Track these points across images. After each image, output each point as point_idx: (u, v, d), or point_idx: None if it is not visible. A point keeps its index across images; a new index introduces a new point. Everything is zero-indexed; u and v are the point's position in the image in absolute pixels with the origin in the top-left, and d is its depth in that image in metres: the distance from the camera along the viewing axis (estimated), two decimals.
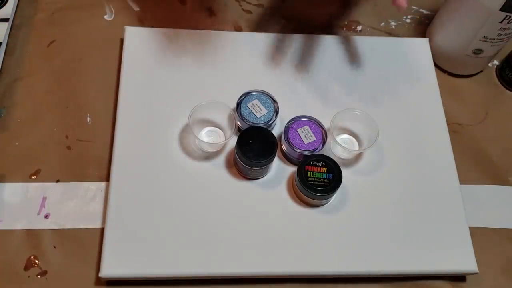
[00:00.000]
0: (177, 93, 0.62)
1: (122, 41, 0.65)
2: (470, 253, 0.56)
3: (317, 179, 0.54)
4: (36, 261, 0.54)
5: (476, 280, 0.57)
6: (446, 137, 0.62)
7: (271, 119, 0.59)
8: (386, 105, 0.64)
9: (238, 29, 0.70)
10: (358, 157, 0.60)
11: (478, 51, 0.65)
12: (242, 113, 0.59)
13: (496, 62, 0.73)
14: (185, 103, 0.60)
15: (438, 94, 0.65)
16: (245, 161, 0.55)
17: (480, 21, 0.61)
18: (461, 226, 0.57)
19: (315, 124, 0.59)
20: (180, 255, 0.53)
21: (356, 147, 0.61)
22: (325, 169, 0.55)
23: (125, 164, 0.57)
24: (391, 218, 0.57)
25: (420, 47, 0.69)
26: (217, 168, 0.58)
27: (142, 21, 0.70)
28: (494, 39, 0.63)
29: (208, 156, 0.59)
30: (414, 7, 0.76)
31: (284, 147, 0.59)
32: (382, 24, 0.74)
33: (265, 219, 0.56)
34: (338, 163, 0.56)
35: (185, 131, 0.59)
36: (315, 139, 0.58)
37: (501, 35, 0.62)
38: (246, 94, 0.60)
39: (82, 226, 0.56)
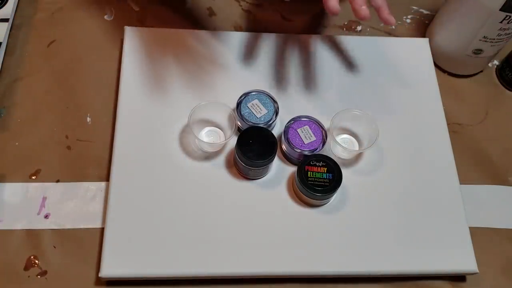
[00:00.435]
0: (177, 93, 0.62)
1: (122, 41, 0.65)
2: (470, 253, 0.56)
3: (317, 179, 0.54)
4: (36, 261, 0.54)
5: (476, 280, 0.57)
6: (446, 137, 0.62)
7: (271, 119, 0.59)
8: (386, 105, 0.64)
9: (238, 29, 0.70)
10: (358, 157, 0.60)
11: (478, 51, 0.65)
12: (242, 113, 0.59)
13: (496, 62, 0.73)
14: (185, 103, 0.60)
15: (438, 94, 0.65)
16: (245, 161, 0.55)
17: (480, 21, 0.61)
18: (461, 226, 0.57)
19: (315, 124, 0.59)
20: (180, 255, 0.53)
21: (356, 147, 0.61)
22: (325, 169, 0.55)
23: (125, 164, 0.57)
24: (391, 218, 0.57)
25: (420, 47, 0.69)
26: (217, 168, 0.58)
27: (142, 21, 0.70)
28: (494, 39, 0.63)
29: (208, 156, 0.59)
30: (414, 7, 0.76)
31: (284, 147, 0.59)
32: (382, 24, 0.74)
33: (265, 219, 0.56)
34: (338, 163, 0.56)
35: (185, 131, 0.59)
36: (315, 139, 0.58)
37: (501, 35, 0.62)
38: (246, 94, 0.60)
39: (82, 226, 0.56)
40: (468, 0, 0.61)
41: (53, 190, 0.57)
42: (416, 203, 0.58)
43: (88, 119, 0.62)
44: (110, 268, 0.52)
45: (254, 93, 0.60)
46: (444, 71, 0.70)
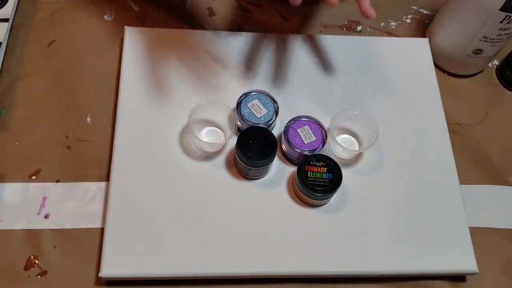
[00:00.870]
0: (177, 93, 0.62)
1: (122, 41, 0.65)
2: (470, 253, 0.56)
3: (317, 179, 0.54)
4: (36, 261, 0.54)
5: (476, 280, 0.57)
6: (446, 137, 0.62)
7: (271, 119, 0.59)
8: (386, 105, 0.64)
9: (238, 29, 0.70)
10: (358, 157, 0.60)
11: (478, 51, 0.65)
12: (242, 113, 0.59)
13: (496, 62, 0.73)
14: (185, 103, 0.60)
15: (438, 94, 0.65)
16: (245, 161, 0.55)
17: (480, 21, 0.61)
18: (461, 226, 0.57)
19: (315, 124, 0.59)
20: (180, 255, 0.53)
21: (356, 147, 0.61)
22: (325, 169, 0.55)
23: (125, 164, 0.57)
24: (391, 218, 0.57)
25: (420, 47, 0.69)
26: (217, 168, 0.58)
27: (142, 21, 0.70)
28: (494, 39, 0.63)
29: (208, 156, 0.59)
30: (414, 7, 0.76)
31: (284, 147, 0.59)
32: (382, 24, 0.74)
33: (265, 219, 0.56)
34: (338, 163, 0.56)
35: (185, 131, 0.59)
36: (315, 139, 0.58)
37: (501, 35, 0.62)
38: (246, 94, 0.60)
39: (82, 226, 0.56)
40: (468, 0, 0.61)
41: (53, 190, 0.57)
42: (416, 203, 0.58)
43: (88, 119, 0.62)
44: (110, 268, 0.52)
45: (254, 93, 0.60)
46: (444, 71, 0.70)
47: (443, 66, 0.70)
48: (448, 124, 0.63)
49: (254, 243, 0.54)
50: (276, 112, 0.59)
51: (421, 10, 0.76)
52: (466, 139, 0.66)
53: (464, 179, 0.61)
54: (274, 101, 0.60)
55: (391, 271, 0.55)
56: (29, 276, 0.53)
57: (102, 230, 0.55)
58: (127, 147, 0.58)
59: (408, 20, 0.75)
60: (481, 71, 0.71)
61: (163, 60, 0.64)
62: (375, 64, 0.67)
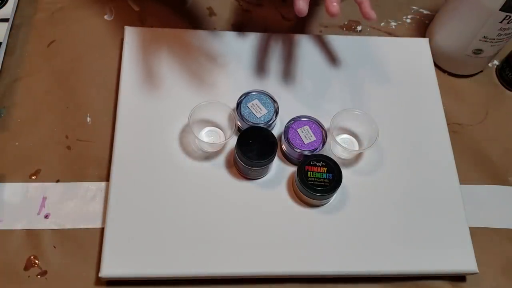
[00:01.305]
0: (177, 93, 0.62)
1: (122, 41, 0.65)
2: (470, 253, 0.56)
3: (317, 179, 0.55)
4: (36, 261, 0.54)
5: (476, 280, 0.57)
6: (446, 137, 0.62)
7: (271, 119, 0.59)
8: (386, 105, 0.64)
9: (238, 29, 0.70)
10: (358, 157, 0.60)
11: (478, 51, 0.65)
12: (242, 113, 0.59)
13: (496, 62, 0.73)
14: (185, 103, 0.60)
15: (438, 94, 0.65)
16: (245, 161, 0.55)
17: (480, 21, 0.61)
18: (461, 226, 0.57)
19: (315, 124, 0.59)
20: (180, 255, 0.53)
21: (356, 147, 0.61)
22: (325, 169, 0.55)
23: (125, 164, 0.57)
24: (391, 218, 0.57)
25: (420, 47, 0.69)
26: (217, 168, 0.58)
27: (142, 21, 0.70)
28: (494, 39, 0.63)
29: (208, 156, 0.59)
30: (414, 7, 0.76)
31: (284, 147, 0.59)
32: (382, 24, 0.74)
33: (265, 219, 0.56)
34: (338, 163, 0.56)
35: (185, 131, 0.59)
36: (315, 139, 0.58)
37: (501, 35, 0.62)
38: (246, 94, 0.60)
39: (82, 226, 0.56)
40: (468, 0, 0.61)
41: (53, 190, 0.57)
42: (416, 203, 0.58)
43: (88, 119, 0.62)
44: (110, 268, 0.52)
45: (254, 93, 0.60)
46: (444, 71, 0.70)
47: (443, 66, 0.70)
48: (448, 124, 0.63)
49: (254, 243, 0.54)
50: (276, 112, 0.59)
51: (421, 10, 0.76)
52: (466, 139, 0.66)
53: (464, 179, 0.61)
54: (274, 101, 0.60)
55: (391, 271, 0.55)
56: (29, 276, 0.53)
57: (102, 230, 0.55)
58: (127, 147, 0.58)
59: (408, 20, 0.75)
60: (481, 71, 0.71)
61: (163, 60, 0.64)
62: (375, 64, 0.67)
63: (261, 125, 0.58)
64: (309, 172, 0.55)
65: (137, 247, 0.53)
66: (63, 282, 0.53)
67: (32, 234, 0.55)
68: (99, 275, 0.51)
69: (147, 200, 0.55)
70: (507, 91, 0.71)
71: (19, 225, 0.55)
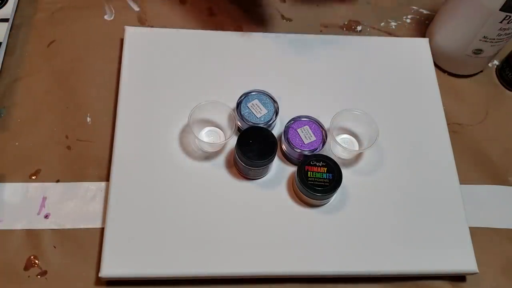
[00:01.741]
0: (177, 93, 0.62)
1: (122, 41, 0.65)
2: (470, 253, 0.56)
3: (317, 179, 0.55)
4: (36, 261, 0.54)
5: (476, 280, 0.57)
6: (446, 137, 0.62)
7: (271, 119, 0.59)
8: (386, 105, 0.64)
9: (238, 29, 0.70)
10: (358, 157, 0.60)
11: (478, 51, 0.65)
12: (242, 113, 0.59)
13: (496, 62, 0.73)
14: (185, 103, 0.60)
15: (438, 94, 0.65)
16: (245, 161, 0.55)
17: (480, 21, 0.61)
18: (461, 226, 0.57)
19: (315, 124, 0.59)
20: (180, 255, 0.53)
21: (356, 147, 0.61)
22: (325, 169, 0.55)
23: (125, 164, 0.57)
24: (391, 218, 0.57)
25: (420, 47, 0.69)
26: (217, 168, 0.58)
27: (142, 21, 0.70)
28: (494, 39, 0.63)
29: (208, 156, 0.59)
30: (414, 7, 0.76)
31: (284, 147, 0.59)
32: (382, 24, 0.74)
33: (265, 219, 0.56)
34: (338, 163, 0.56)
35: (185, 131, 0.59)
36: (315, 139, 0.58)
37: (501, 35, 0.62)
38: (246, 94, 0.60)
39: (82, 226, 0.56)
40: (468, 0, 0.61)
41: (53, 190, 0.57)
42: (416, 203, 0.58)
43: (88, 119, 0.62)
44: (110, 268, 0.52)
45: (254, 93, 0.60)
46: (444, 71, 0.70)
47: (443, 66, 0.70)
48: (448, 124, 0.63)
49: (254, 243, 0.54)
50: (276, 112, 0.59)
51: (421, 10, 0.76)
52: (466, 139, 0.66)
53: (464, 179, 0.61)
54: (274, 101, 0.60)
55: (391, 271, 0.55)
56: (29, 276, 0.53)
57: (102, 230, 0.55)
58: (127, 147, 0.58)
59: (408, 20, 0.75)
60: (481, 71, 0.71)
61: (163, 60, 0.64)
62: (375, 64, 0.67)
63: (261, 125, 0.58)
64: (309, 172, 0.55)
65: (137, 247, 0.53)
66: (63, 282, 0.53)
67: (32, 234, 0.55)
68: (99, 275, 0.51)
69: (147, 200, 0.55)
70: (507, 91, 0.71)
71: (19, 225, 0.55)
